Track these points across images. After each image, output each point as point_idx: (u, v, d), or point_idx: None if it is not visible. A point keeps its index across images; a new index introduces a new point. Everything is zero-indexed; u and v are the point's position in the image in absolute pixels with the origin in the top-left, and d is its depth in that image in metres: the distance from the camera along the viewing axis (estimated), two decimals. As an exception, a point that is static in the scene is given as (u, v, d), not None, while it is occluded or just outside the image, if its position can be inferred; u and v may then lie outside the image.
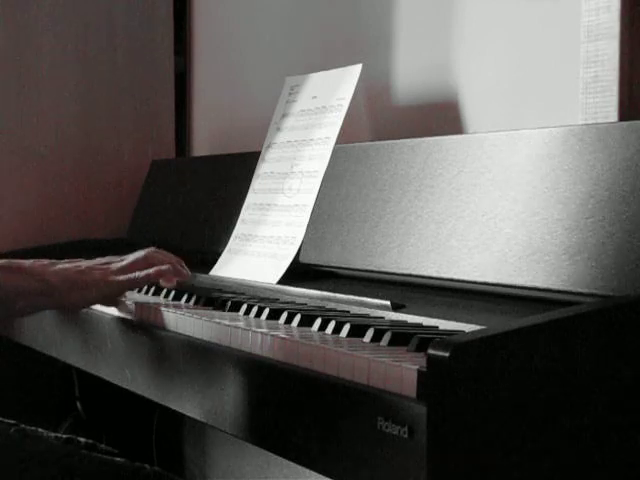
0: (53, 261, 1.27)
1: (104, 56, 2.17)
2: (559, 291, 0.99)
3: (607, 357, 0.82)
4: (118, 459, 1.26)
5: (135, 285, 1.26)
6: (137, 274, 1.24)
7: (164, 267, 1.27)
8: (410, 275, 1.20)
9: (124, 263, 1.26)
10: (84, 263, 1.26)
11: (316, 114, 1.53)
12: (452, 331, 0.96)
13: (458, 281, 1.13)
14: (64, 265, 1.24)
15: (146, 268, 1.26)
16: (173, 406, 1.17)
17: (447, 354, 0.74)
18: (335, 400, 0.87)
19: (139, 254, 1.28)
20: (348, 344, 0.93)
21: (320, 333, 1.01)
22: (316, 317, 1.04)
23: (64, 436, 1.34)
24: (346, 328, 0.97)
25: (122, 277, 1.23)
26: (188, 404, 1.13)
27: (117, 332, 1.30)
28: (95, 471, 1.23)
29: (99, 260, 1.28)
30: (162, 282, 1.30)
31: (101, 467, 1.24)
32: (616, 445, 0.83)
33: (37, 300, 1.18)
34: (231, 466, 1.92)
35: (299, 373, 0.92)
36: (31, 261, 1.29)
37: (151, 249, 1.30)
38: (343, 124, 1.46)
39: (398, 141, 1.33)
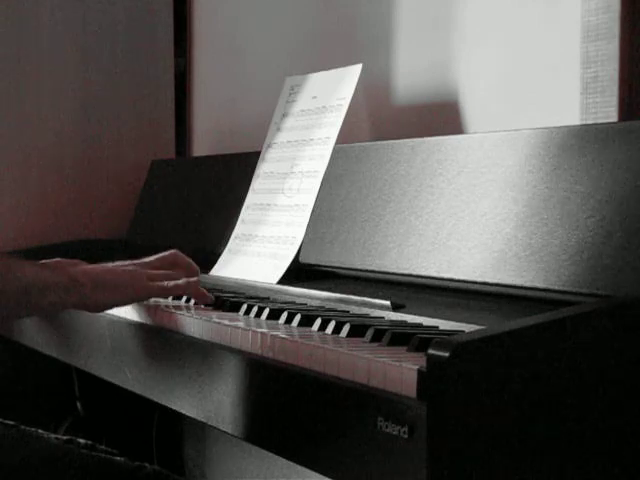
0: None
1: (104, 56, 2.17)
2: (559, 291, 0.99)
3: (607, 357, 0.82)
4: (118, 458, 1.26)
5: (165, 294, 1.25)
6: (167, 284, 1.22)
7: (193, 279, 1.25)
8: (410, 275, 1.20)
9: (155, 273, 1.24)
10: (110, 264, 1.25)
11: (316, 114, 1.53)
12: (452, 331, 0.96)
13: (458, 281, 1.13)
14: (91, 265, 1.23)
15: (173, 275, 1.25)
16: (173, 406, 1.17)
17: (447, 354, 0.74)
18: (335, 400, 0.87)
19: (164, 254, 1.27)
20: (348, 344, 0.93)
21: (320, 333, 1.01)
22: (316, 317, 1.04)
23: (64, 437, 1.34)
24: (346, 328, 0.97)
25: (153, 284, 1.21)
26: (188, 404, 1.13)
27: (117, 332, 1.30)
28: (95, 471, 1.23)
29: (125, 262, 1.26)
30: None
31: (101, 467, 1.24)
32: (616, 444, 0.83)
33: (63, 297, 1.16)
34: (231, 466, 1.92)
35: (299, 373, 0.92)
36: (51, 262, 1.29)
37: (171, 252, 1.29)
38: (343, 124, 1.46)
39: (398, 141, 1.33)
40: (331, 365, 0.89)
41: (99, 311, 1.22)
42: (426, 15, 1.53)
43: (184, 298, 1.31)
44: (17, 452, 1.26)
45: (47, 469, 1.22)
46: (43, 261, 1.26)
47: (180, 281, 1.23)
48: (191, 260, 1.31)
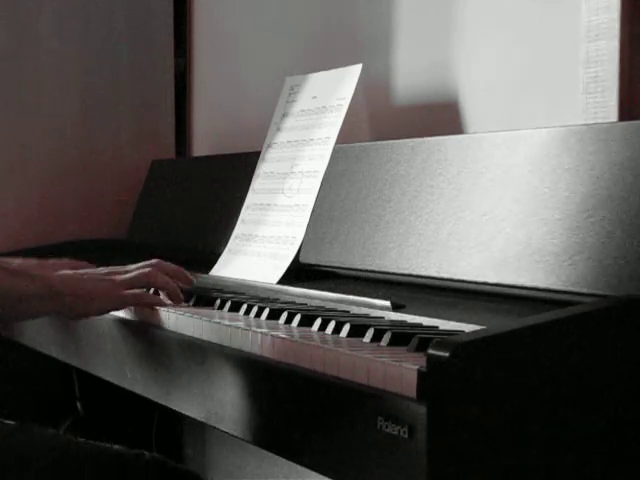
0: (55, 261, 1.27)
1: (104, 56, 2.17)
2: (559, 291, 0.99)
3: (607, 357, 0.82)
4: (116, 446, 1.26)
5: (139, 303, 1.25)
6: (142, 293, 1.25)
7: (170, 286, 1.26)
8: (410, 275, 1.20)
9: (127, 277, 1.24)
10: (88, 271, 1.25)
11: (316, 114, 1.53)
12: (452, 331, 0.96)
13: (458, 281, 1.13)
14: (67, 272, 1.24)
15: (149, 283, 1.26)
16: (173, 406, 1.17)
17: (447, 354, 0.74)
18: (335, 400, 0.87)
19: (143, 269, 1.26)
20: (348, 344, 0.93)
21: (320, 333, 1.01)
22: (316, 317, 1.04)
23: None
24: (346, 328, 0.97)
25: (127, 293, 1.23)
26: (188, 404, 1.13)
27: (117, 332, 1.30)
28: (94, 459, 1.24)
29: (102, 269, 1.27)
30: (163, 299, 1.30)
31: (100, 455, 1.24)
32: (616, 444, 0.83)
33: (39, 305, 1.17)
34: (231, 466, 1.92)
35: (299, 373, 0.92)
36: (34, 263, 1.29)
37: (154, 261, 1.28)
38: (343, 124, 1.46)
39: (398, 141, 1.33)
40: (331, 365, 0.89)
41: (76, 319, 1.24)
42: (426, 15, 1.53)
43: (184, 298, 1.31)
44: (17, 451, 1.26)
45: (46, 458, 1.22)
46: (26, 261, 1.27)
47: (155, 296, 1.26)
48: (171, 266, 1.29)
